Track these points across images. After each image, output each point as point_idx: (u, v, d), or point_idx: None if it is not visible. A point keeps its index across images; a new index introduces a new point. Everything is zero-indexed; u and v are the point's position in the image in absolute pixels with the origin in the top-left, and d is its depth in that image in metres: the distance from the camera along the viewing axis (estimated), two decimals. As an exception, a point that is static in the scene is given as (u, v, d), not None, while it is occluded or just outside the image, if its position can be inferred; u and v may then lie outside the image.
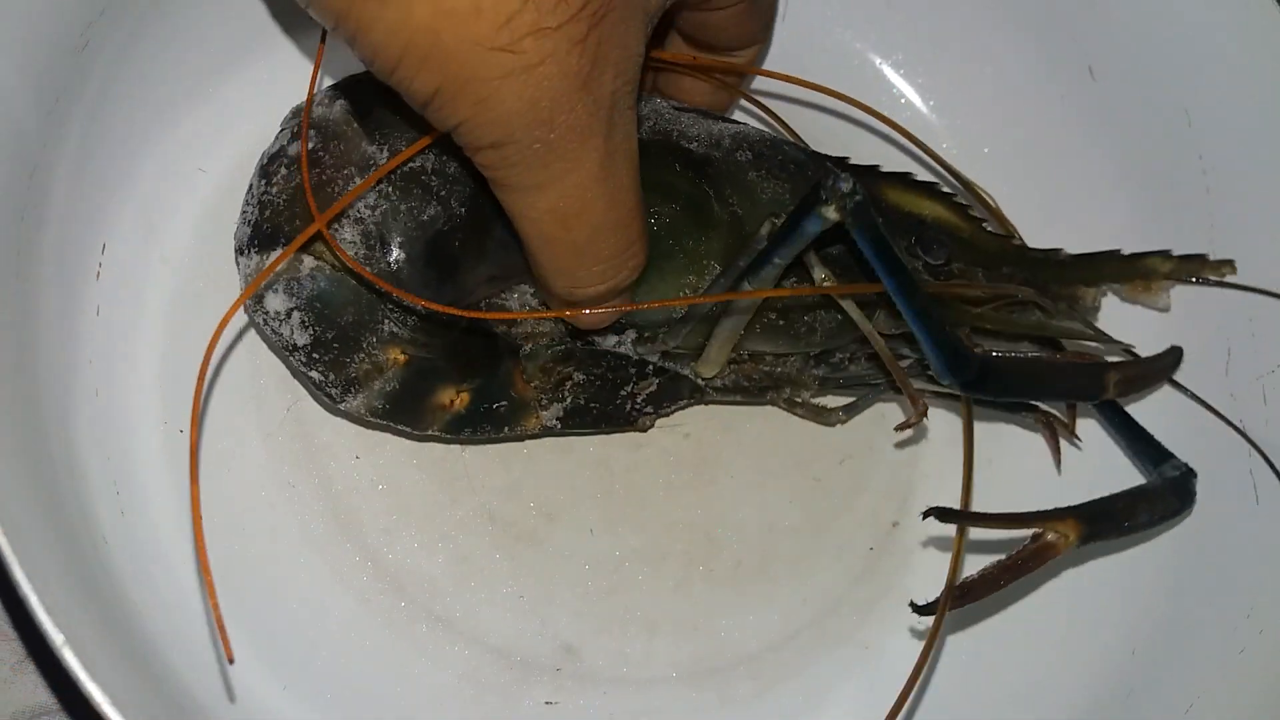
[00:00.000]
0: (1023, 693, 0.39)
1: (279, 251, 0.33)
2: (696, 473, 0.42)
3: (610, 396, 0.38)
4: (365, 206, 0.34)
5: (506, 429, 0.37)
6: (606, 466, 0.41)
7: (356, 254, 0.34)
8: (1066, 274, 0.40)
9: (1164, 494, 0.37)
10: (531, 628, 0.39)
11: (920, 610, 0.34)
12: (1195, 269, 0.40)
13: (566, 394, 0.37)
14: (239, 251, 0.35)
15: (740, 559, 0.42)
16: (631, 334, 0.38)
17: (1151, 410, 0.41)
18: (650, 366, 0.38)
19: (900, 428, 0.36)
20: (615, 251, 0.31)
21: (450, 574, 0.39)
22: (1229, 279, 0.39)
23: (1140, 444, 0.39)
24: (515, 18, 0.26)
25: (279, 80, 0.40)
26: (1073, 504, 0.35)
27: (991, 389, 0.36)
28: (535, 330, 0.37)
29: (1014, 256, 0.40)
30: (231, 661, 0.28)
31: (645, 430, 0.41)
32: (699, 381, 0.39)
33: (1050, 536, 0.34)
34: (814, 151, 0.40)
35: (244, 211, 0.35)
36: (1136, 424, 0.39)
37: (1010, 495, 0.40)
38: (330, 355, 0.34)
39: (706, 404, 0.41)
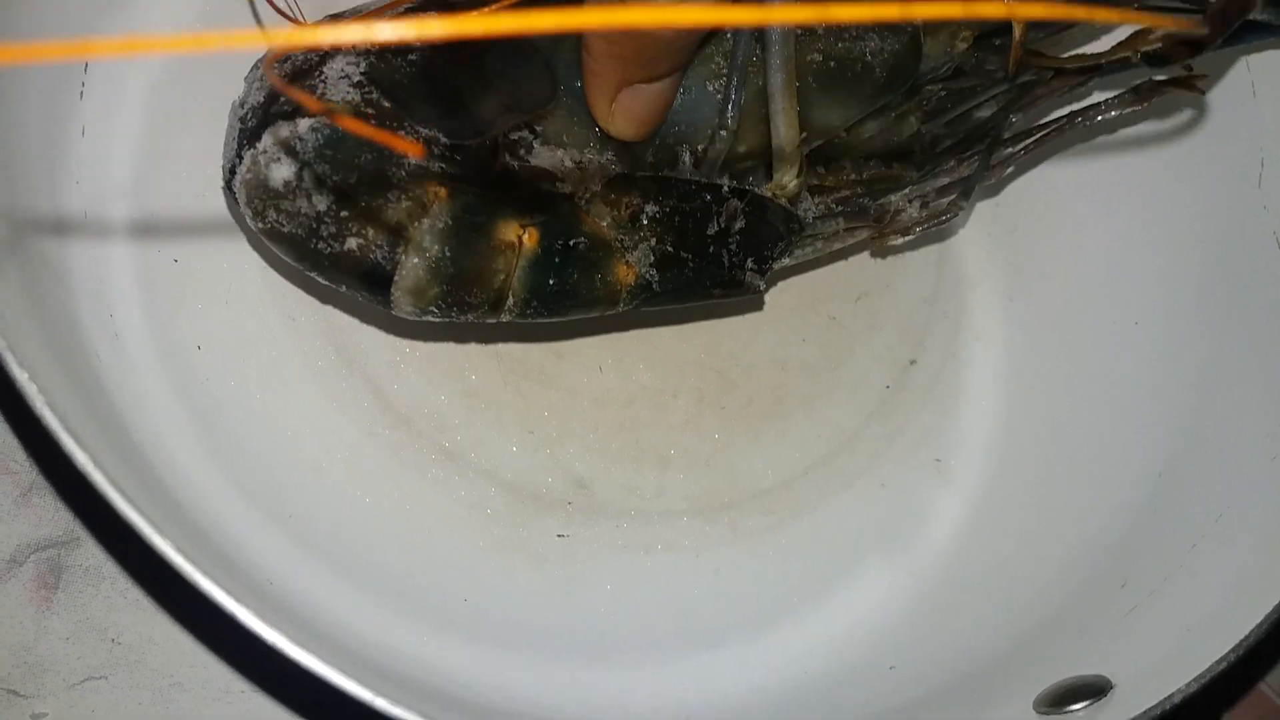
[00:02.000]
0: (1052, 520, 0.38)
1: (269, 131, 0.30)
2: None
3: (699, 239, 0.34)
4: (347, 64, 0.31)
5: (599, 280, 0.33)
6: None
7: (354, 102, 0.32)
8: None
9: None
10: (542, 462, 0.38)
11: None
12: None
13: (646, 231, 0.33)
14: (229, 175, 0.31)
15: (752, 396, 0.41)
16: (687, 154, 0.35)
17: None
18: (725, 189, 0.35)
19: (1013, 68, 0.34)
20: None
21: (458, 409, 0.38)
22: None
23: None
24: None
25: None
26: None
27: None
28: (584, 173, 0.34)
29: None
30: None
31: (761, 292, 0.37)
32: (785, 204, 0.35)
33: None
34: None
35: (226, 146, 0.32)
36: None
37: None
38: (360, 204, 0.30)
39: (807, 242, 0.38)
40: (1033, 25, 0.36)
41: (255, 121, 0.31)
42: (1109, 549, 0.36)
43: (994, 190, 0.43)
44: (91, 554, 0.35)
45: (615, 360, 0.40)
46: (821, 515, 0.40)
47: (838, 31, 0.35)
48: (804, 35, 0.34)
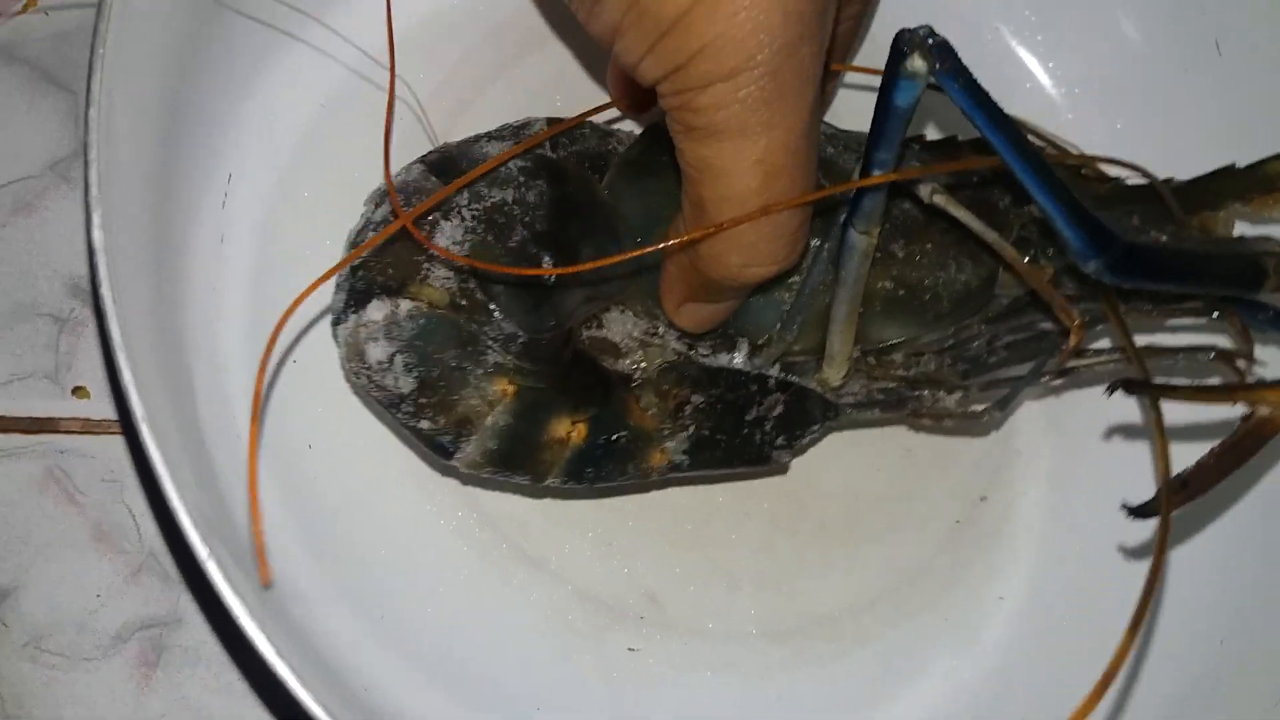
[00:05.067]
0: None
1: (375, 303, 0.33)
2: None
3: (736, 424, 0.36)
4: (452, 244, 0.34)
5: (632, 466, 0.36)
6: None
7: (450, 289, 0.34)
8: (1186, 203, 0.38)
9: None
10: (617, 574, 0.40)
11: (1137, 512, 0.31)
12: None
13: (688, 420, 0.36)
14: (335, 323, 0.35)
15: (825, 522, 0.42)
16: (744, 346, 0.37)
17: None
18: (772, 381, 0.37)
19: (1062, 358, 0.34)
20: (799, 224, 0.30)
21: (541, 516, 0.40)
22: None
23: None
24: None
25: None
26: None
27: (1139, 272, 0.31)
28: (645, 355, 0.37)
29: (1123, 194, 0.38)
30: (267, 586, 0.27)
31: (785, 470, 0.39)
32: (828, 396, 0.37)
33: (1263, 410, 0.29)
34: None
35: (337, 286, 0.35)
36: None
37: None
38: (438, 396, 0.34)
39: (843, 428, 0.40)
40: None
41: (364, 284, 0.34)
42: (1169, 712, 0.37)
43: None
44: (192, 636, 0.37)
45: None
46: (885, 646, 0.41)
47: (915, 260, 0.36)
48: (880, 259, 0.35)
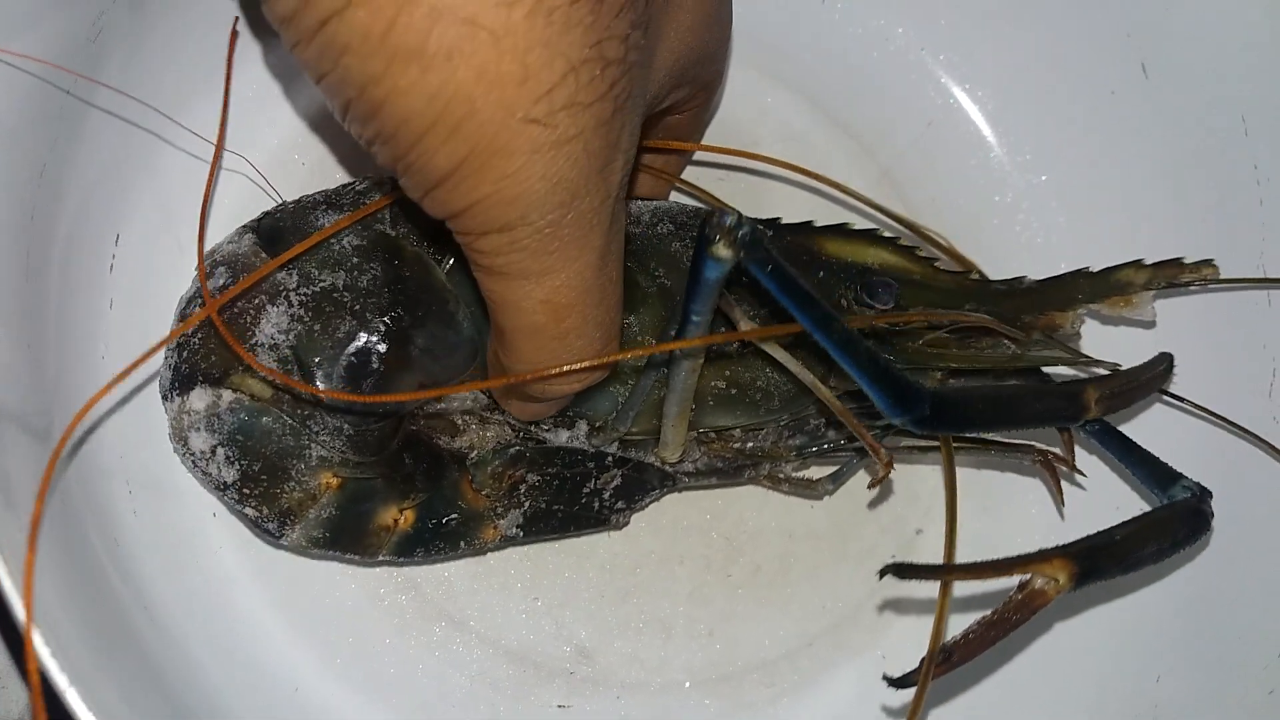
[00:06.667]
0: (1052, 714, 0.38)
1: (197, 391, 0.32)
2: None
3: (573, 496, 0.36)
4: (278, 332, 0.33)
5: (464, 543, 0.36)
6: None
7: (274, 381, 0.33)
8: (1037, 301, 0.38)
9: (1172, 521, 0.32)
10: (546, 630, 0.39)
11: (896, 683, 0.31)
12: (1173, 274, 0.37)
13: (523, 498, 0.36)
14: (164, 398, 0.34)
15: (759, 564, 0.41)
16: (583, 426, 0.37)
17: (1165, 430, 0.39)
18: (609, 458, 0.37)
19: (871, 485, 0.34)
20: (598, 349, 0.30)
21: (465, 574, 0.39)
22: (1218, 278, 0.37)
23: (1145, 466, 0.35)
24: (555, 89, 0.25)
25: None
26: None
27: (952, 423, 0.32)
28: (480, 437, 0.36)
29: (975, 292, 0.38)
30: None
31: (621, 528, 0.39)
32: (666, 468, 0.38)
33: (1038, 583, 0.30)
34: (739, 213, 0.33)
35: (165, 356, 0.34)
36: (1138, 446, 0.36)
37: (1014, 545, 0.38)
38: (260, 488, 0.33)
39: (681, 491, 0.40)
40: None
41: (187, 369, 0.33)
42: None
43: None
44: (97, 719, 0.35)
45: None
46: (822, 689, 0.40)
47: (748, 361, 0.36)
48: (714, 359, 0.35)
